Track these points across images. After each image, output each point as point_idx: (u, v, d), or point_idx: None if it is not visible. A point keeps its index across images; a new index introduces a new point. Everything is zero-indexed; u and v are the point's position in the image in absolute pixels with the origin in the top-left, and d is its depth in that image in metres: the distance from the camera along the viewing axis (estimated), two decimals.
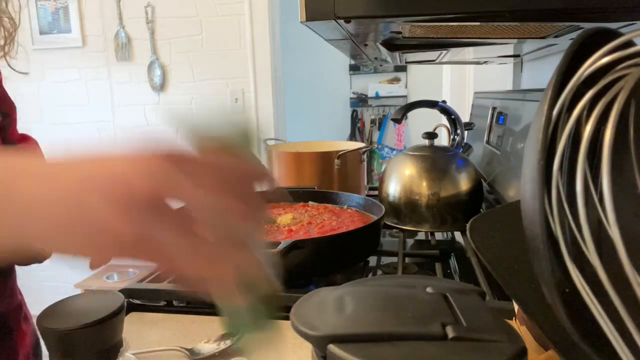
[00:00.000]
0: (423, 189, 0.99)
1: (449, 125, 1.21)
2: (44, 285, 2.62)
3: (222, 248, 0.30)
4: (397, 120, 1.13)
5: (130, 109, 2.73)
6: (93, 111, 2.78)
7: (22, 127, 0.77)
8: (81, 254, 0.29)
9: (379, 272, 0.92)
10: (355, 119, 4.94)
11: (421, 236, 1.09)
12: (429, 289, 0.33)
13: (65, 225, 0.28)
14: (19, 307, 0.71)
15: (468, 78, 2.19)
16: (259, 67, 2.63)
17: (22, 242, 0.30)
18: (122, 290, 0.75)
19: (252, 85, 2.65)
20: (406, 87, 4.77)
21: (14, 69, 0.72)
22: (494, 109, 1.28)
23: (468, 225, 0.39)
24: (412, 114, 1.24)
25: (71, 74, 2.75)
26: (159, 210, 0.28)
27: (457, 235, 1.08)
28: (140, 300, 0.76)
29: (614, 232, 0.23)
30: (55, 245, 0.30)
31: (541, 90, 0.91)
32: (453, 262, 0.93)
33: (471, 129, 1.40)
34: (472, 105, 1.70)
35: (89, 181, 0.28)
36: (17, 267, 0.72)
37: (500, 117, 1.19)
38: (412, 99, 3.80)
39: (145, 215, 0.28)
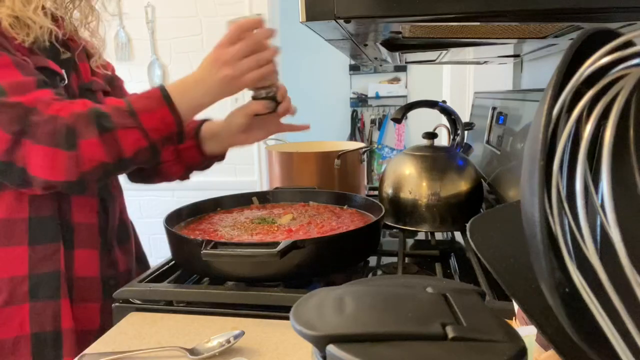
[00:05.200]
0: (423, 189, 0.99)
1: (449, 125, 1.21)
2: None
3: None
4: (397, 120, 1.13)
5: None
6: None
7: None
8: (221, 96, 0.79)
9: (379, 272, 0.92)
10: (355, 119, 4.95)
11: (421, 236, 1.09)
12: (429, 289, 0.33)
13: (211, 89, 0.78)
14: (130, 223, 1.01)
15: (468, 78, 2.19)
16: None
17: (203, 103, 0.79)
18: (123, 291, 0.76)
19: None
20: (406, 87, 4.77)
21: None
22: (494, 109, 1.28)
23: (468, 225, 0.39)
24: (412, 114, 1.24)
25: None
26: (234, 62, 0.77)
27: (457, 235, 1.08)
28: (140, 300, 0.76)
29: (614, 232, 0.23)
30: (213, 97, 0.79)
31: (541, 90, 0.92)
32: (453, 262, 0.93)
33: (471, 129, 1.40)
34: (472, 105, 1.70)
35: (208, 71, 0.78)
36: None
37: (500, 117, 1.19)
38: (412, 99, 3.79)
39: (232, 65, 0.77)
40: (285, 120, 0.94)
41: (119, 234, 0.92)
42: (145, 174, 1.02)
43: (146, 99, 0.76)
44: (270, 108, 0.87)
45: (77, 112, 0.72)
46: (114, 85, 0.99)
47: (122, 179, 1.00)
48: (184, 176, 1.02)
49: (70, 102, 0.74)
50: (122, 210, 0.94)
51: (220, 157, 1.00)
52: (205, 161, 0.98)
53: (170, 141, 0.78)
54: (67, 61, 0.87)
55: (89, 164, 0.72)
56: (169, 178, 1.03)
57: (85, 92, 0.89)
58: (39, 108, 0.71)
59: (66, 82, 0.85)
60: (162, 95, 0.76)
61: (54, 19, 0.85)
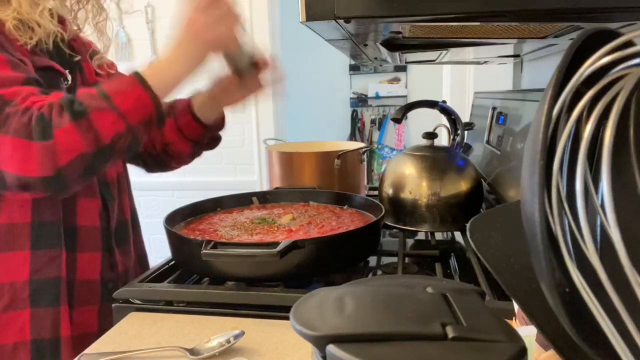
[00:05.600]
0: (423, 189, 0.99)
1: (449, 125, 1.21)
2: None
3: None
4: (397, 120, 1.13)
5: None
6: None
7: None
8: (202, 55, 0.77)
9: (379, 272, 0.92)
10: (355, 119, 4.94)
11: (421, 236, 1.09)
12: (429, 289, 0.33)
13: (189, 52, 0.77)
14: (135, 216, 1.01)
15: (468, 78, 2.19)
16: None
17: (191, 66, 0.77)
18: (123, 291, 0.76)
19: None
20: (406, 87, 4.77)
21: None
22: (494, 109, 1.28)
23: (468, 225, 0.39)
24: (412, 114, 1.24)
25: None
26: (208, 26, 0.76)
27: (457, 235, 1.09)
28: (140, 300, 0.76)
29: (614, 232, 0.23)
30: (190, 66, 0.77)
31: (541, 90, 0.92)
32: (453, 262, 0.93)
33: (471, 129, 1.40)
34: (472, 105, 1.70)
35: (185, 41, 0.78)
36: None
37: (500, 117, 1.19)
38: (412, 99, 3.80)
39: (205, 29, 0.76)
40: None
41: (118, 235, 0.91)
42: (159, 160, 1.03)
43: (118, 82, 0.74)
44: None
45: (50, 101, 0.69)
46: None
47: (131, 174, 1.00)
48: (194, 153, 1.02)
49: (47, 96, 0.72)
50: (123, 211, 0.94)
51: (221, 124, 1.00)
52: (208, 133, 0.98)
53: (149, 124, 0.74)
54: (73, 63, 0.87)
55: (66, 156, 0.68)
56: (181, 159, 1.02)
57: None
58: (16, 100, 0.68)
59: (69, 82, 0.85)
60: (134, 77, 0.73)
61: (60, 21, 0.85)
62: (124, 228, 0.93)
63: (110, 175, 0.90)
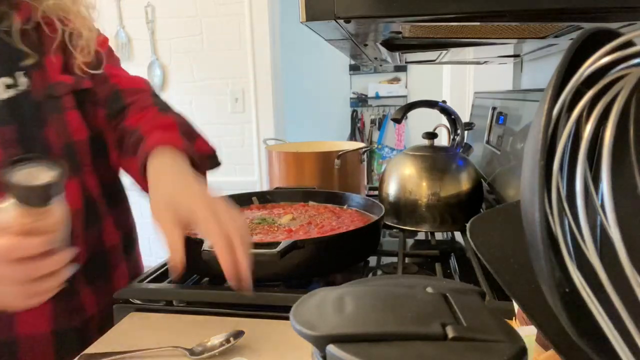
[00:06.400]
0: (423, 189, 0.99)
1: (449, 125, 1.21)
2: None
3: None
4: (397, 120, 1.13)
5: None
6: None
7: None
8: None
9: (379, 272, 0.92)
10: (355, 119, 4.95)
11: (421, 236, 1.09)
12: (429, 289, 0.33)
13: None
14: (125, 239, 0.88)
15: (468, 78, 2.19)
16: (259, 67, 2.63)
17: None
18: (123, 291, 0.76)
19: (252, 85, 2.65)
20: (406, 87, 4.77)
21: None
22: (494, 109, 1.28)
23: (468, 225, 0.39)
24: (412, 114, 1.24)
25: None
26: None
27: (457, 235, 1.08)
28: (140, 300, 0.76)
29: (614, 232, 0.23)
30: None
31: (541, 90, 0.92)
32: (453, 262, 0.93)
33: (471, 129, 1.40)
34: (472, 105, 1.71)
35: None
36: None
37: (500, 117, 1.19)
38: (412, 99, 3.80)
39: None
40: None
41: (89, 271, 0.77)
42: None
43: None
44: None
45: None
46: (99, 78, 0.81)
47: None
48: None
49: None
50: (102, 242, 0.81)
51: None
52: None
53: None
54: (27, 61, 0.72)
55: None
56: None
57: (46, 99, 0.73)
58: None
59: (18, 86, 0.71)
60: None
61: (16, 3, 0.70)
62: (101, 261, 0.80)
63: (70, 206, 0.68)
